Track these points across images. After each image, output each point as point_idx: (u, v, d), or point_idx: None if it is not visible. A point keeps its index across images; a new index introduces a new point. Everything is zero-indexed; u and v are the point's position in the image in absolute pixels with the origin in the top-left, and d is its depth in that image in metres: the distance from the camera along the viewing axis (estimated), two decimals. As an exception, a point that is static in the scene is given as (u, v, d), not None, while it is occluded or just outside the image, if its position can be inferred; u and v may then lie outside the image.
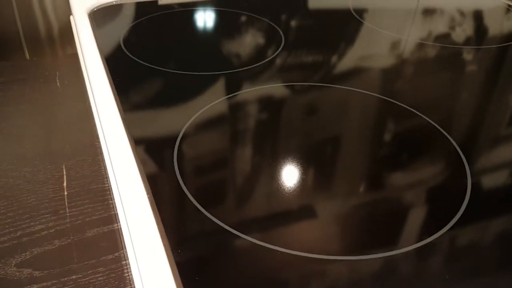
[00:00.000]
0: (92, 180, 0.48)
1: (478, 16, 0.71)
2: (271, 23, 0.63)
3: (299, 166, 0.39)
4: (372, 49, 0.59)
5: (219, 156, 0.40)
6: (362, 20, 0.66)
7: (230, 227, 0.32)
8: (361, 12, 0.69)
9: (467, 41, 0.62)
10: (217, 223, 0.32)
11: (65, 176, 0.49)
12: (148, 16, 0.64)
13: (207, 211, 0.33)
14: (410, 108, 0.46)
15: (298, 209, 0.34)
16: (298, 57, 0.56)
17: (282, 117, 0.45)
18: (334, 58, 0.56)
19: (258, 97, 0.48)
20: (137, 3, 0.68)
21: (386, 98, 0.48)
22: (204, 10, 0.67)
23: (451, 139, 0.42)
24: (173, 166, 0.38)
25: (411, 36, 0.63)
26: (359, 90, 0.49)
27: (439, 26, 0.66)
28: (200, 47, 0.57)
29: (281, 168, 0.38)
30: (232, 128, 0.43)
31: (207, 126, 0.43)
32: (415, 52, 0.59)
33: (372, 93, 0.49)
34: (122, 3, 0.67)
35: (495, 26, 0.68)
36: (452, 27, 0.66)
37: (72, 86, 0.64)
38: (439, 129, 0.43)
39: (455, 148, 0.41)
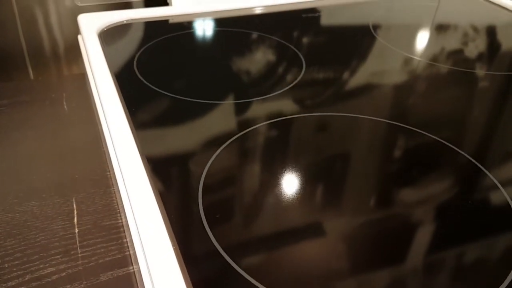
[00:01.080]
0: (105, 215, 0.45)
1: (492, 35, 0.68)
2: (290, 45, 0.61)
3: (330, 211, 0.36)
4: (399, 75, 0.56)
5: (249, 198, 0.37)
6: (385, 43, 0.63)
7: (264, 285, 0.29)
8: (378, 29, 0.66)
9: (480, 63, 0.59)
10: (251, 282, 0.29)
11: (75, 210, 0.46)
12: (161, 37, 0.62)
13: (241, 268, 0.30)
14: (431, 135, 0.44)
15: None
16: (320, 84, 0.53)
17: (309, 150, 0.42)
18: (357, 84, 0.53)
19: (281, 129, 0.45)
20: (148, 22, 0.65)
21: (402, 125, 0.45)
22: (219, 30, 0.64)
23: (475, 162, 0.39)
24: (199, 210, 0.35)
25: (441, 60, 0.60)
26: (383, 120, 0.46)
27: (452, 44, 0.64)
28: (217, 73, 0.54)
29: (307, 210, 0.35)
30: (255, 166, 0.40)
31: (231, 164, 0.40)
32: (440, 78, 0.56)
33: (394, 122, 0.46)
34: (133, 23, 0.64)
35: (510, 45, 0.65)
36: (465, 43, 0.64)
37: (80, 109, 0.61)
38: (462, 153, 0.41)
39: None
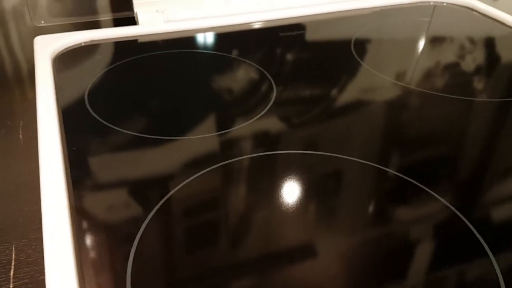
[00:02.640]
0: (43, 267, 0.41)
1: (488, 54, 0.63)
2: (263, 70, 0.56)
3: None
4: (377, 104, 0.51)
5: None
6: (366, 66, 0.58)
7: None
8: (359, 48, 0.61)
9: (467, 88, 0.54)
10: None
11: (13, 261, 0.41)
12: (123, 61, 0.57)
13: None
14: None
15: None
16: (288, 117, 0.49)
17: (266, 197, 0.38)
18: (330, 118, 0.48)
19: (238, 171, 0.40)
20: (109, 44, 0.61)
21: (379, 167, 0.40)
22: (186, 52, 0.60)
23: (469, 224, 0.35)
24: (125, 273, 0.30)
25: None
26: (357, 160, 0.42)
27: (433, 65, 0.59)
28: (177, 102, 0.50)
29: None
30: (214, 215, 0.36)
31: (174, 219, 0.35)
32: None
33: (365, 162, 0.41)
34: (92, 44, 0.60)
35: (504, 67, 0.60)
36: (461, 58, 0.59)
37: (36, 139, 0.57)
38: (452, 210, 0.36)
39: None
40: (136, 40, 0.63)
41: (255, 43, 0.62)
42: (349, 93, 0.53)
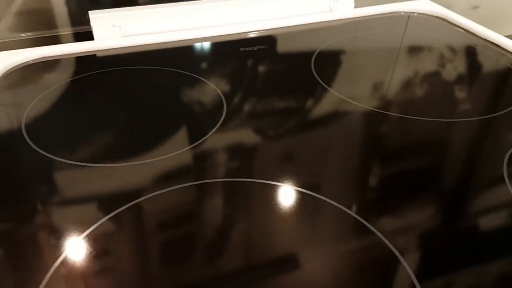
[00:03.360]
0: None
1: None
2: (216, 88, 0.53)
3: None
4: (328, 126, 0.49)
5: None
6: (324, 85, 0.56)
7: None
8: (318, 65, 0.59)
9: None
10: None
11: None
12: (71, 79, 0.55)
13: None
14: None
15: None
16: (238, 138, 0.47)
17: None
18: (278, 145, 0.46)
19: (184, 202, 0.38)
20: (57, 61, 0.59)
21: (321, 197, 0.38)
22: (139, 69, 0.57)
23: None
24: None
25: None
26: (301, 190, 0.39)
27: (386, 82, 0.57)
28: (125, 124, 0.48)
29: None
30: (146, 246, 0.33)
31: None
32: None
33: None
34: (40, 62, 0.58)
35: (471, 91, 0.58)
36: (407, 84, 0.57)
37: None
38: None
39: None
40: (91, 56, 0.60)
41: (213, 59, 0.60)
42: (304, 113, 0.50)
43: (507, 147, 0.45)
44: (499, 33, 0.99)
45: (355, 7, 0.73)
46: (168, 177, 0.40)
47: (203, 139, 0.45)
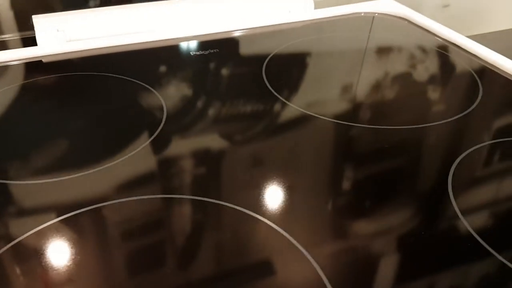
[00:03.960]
0: None
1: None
2: (157, 93, 0.51)
3: None
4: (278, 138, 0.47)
5: None
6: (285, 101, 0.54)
7: None
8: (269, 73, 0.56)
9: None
10: None
11: None
12: (12, 86, 0.52)
13: None
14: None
15: None
16: (177, 149, 0.44)
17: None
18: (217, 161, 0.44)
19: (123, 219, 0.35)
20: (10, 66, 0.56)
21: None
22: (83, 76, 0.55)
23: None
24: None
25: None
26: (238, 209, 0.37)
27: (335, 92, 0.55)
28: (58, 135, 0.45)
29: None
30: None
31: None
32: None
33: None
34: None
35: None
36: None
37: None
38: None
39: None
40: (37, 62, 0.58)
41: (161, 64, 0.57)
42: (250, 124, 0.48)
43: (456, 156, 0.43)
44: (470, 32, 0.98)
45: (315, 8, 0.71)
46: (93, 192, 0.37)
47: (135, 150, 0.42)
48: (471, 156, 0.42)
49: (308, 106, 0.50)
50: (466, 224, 0.35)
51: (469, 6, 1.03)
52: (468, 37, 0.88)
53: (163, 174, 0.40)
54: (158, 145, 0.43)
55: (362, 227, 0.36)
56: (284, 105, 0.50)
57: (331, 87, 0.55)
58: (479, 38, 0.95)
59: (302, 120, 0.48)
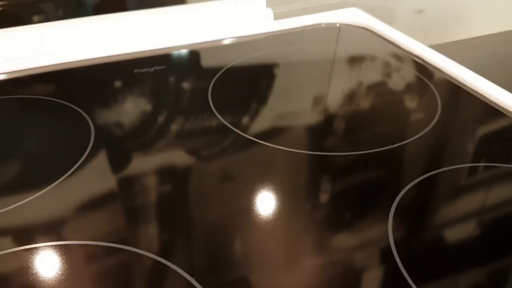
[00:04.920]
0: None
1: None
2: (87, 116, 0.47)
3: None
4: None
5: None
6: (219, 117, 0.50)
7: None
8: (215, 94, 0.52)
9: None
10: None
11: None
12: None
13: None
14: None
15: None
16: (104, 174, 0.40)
17: None
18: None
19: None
20: None
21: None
22: (12, 98, 0.51)
23: None
24: None
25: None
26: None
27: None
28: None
29: None
30: None
31: None
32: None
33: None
34: None
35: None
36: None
37: None
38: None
39: None
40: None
41: (96, 84, 0.54)
42: (189, 149, 0.44)
43: (403, 185, 0.39)
44: (446, 38, 0.94)
45: (274, 19, 0.67)
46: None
47: (57, 181, 0.38)
48: (419, 186, 0.39)
49: (261, 134, 0.46)
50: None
51: (444, 12, 0.99)
52: (444, 44, 0.85)
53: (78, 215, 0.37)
54: (82, 175, 0.39)
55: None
56: (228, 129, 0.46)
57: (270, 111, 0.51)
58: (455, 45, 0.92)
59: (243, 146, 0.44)
